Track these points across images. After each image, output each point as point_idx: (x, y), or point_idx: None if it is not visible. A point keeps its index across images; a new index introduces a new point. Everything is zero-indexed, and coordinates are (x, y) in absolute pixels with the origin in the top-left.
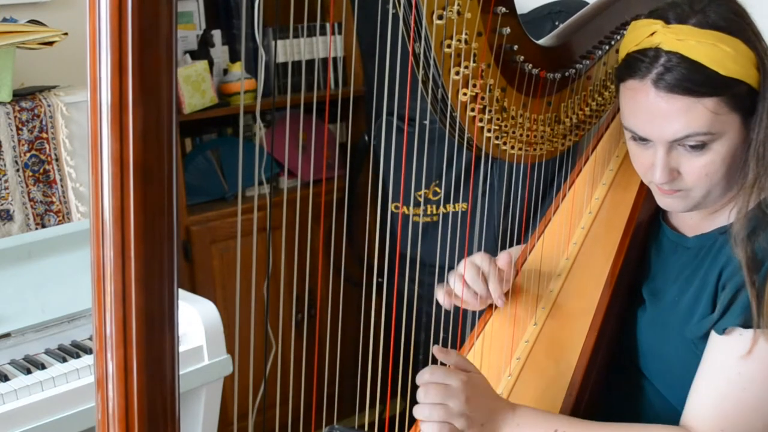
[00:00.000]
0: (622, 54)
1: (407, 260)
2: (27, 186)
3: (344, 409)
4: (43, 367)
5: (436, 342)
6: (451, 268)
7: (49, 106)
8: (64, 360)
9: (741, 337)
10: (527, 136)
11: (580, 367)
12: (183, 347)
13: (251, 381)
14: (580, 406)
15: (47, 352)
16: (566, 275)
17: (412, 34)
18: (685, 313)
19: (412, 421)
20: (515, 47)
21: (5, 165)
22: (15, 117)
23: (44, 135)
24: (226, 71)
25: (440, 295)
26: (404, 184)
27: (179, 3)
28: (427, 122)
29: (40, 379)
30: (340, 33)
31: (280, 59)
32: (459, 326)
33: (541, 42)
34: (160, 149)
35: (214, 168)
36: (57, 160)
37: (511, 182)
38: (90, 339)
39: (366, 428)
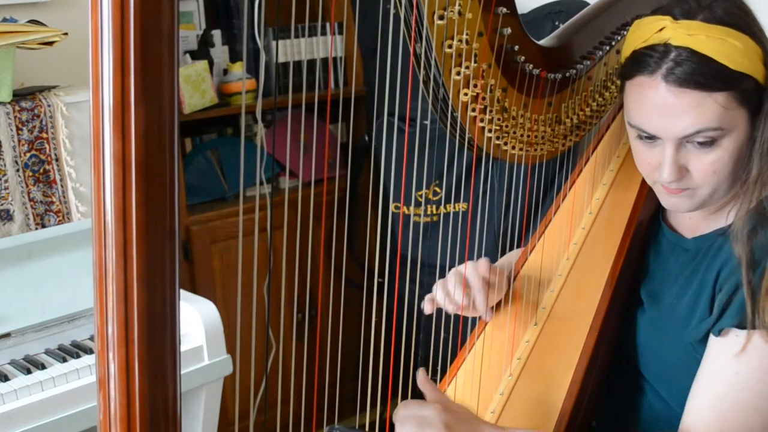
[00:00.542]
0: (627, 52)
1: (408, 261)
2: (27, 186)
3: (345, 409)
4: (43, 367)
5: (437, 342)
6: (450, 268)
7: (49, 106)
8: (64, 360)
9: (737, 338)
10: (528, 136)
11: (580, 367)
12: (183, 347)
13: (252, 381)
14: (580, 406)
15: (47, 352)
16: (567, 275)
17: (413, 34)
18: (684, 316)
19: None
20: (516, 47)
21: (5, 165)
22: (15, 117)
23: (44, 135)
24: (226, 71)
25: (427, 303)
26: (404, 185)
27: (179, 3)
28: (427, 122)
29: (40, 379)
30: (340, 33)
31: (281, 59)
32: (459, 326)
33: (541, 42)
34: (162, 149)
35: (214, 168)
36: (57, 160)
37: (512, 182)
38: (90, 339)
39: (366, 428)
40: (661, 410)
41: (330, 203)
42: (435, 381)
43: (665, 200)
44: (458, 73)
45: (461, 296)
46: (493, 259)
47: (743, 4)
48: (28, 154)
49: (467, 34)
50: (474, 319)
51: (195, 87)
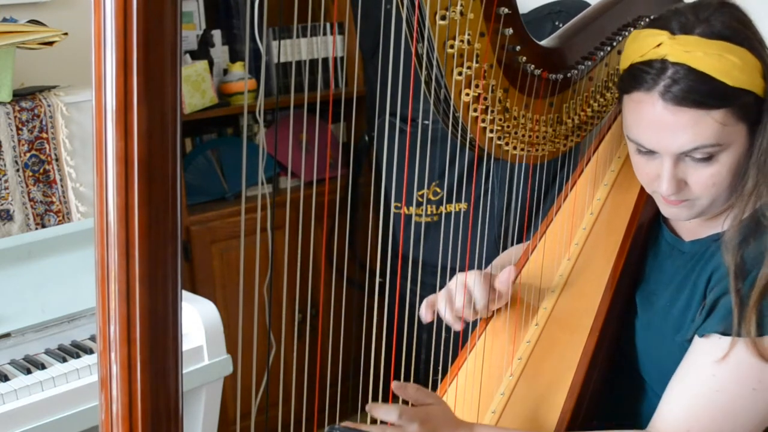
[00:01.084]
0: (625, 65)
1: (409, 260)
2: (27, 186)
3: (345, 409)
4: (43, 367)
5: (438, 342)
6: (451, 268)
7: (49, 106)
8: (64, 360)
9: (719, 341)
10: (529, 136)
11: (581, 367)
12: (183, 347)
13: (254, 380)
14: (581, 407)
15: (47, 352)
16: (568, 276)
17: (415, 34)
18: (677, 319)
19: None
20: (518, 48)
21: (5, 165)
22: (15, 117)
23: (44, 135)
24: (226, 71)
25: (423, 308)
26: (405, 185)
27: None
28: (428, 122)
29: (40, 379)
30: (341, 33)
31: (281, 59)
32: (461, 326)
33: (543, 43)
34: (165, 148)
35: (214, 168)
36: (57, 160)
37: (512, 182)
38: (90, 339)
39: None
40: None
41: (330, 203)
42: (437, 381)
43: (665, 209)
44: (460, 74)
45: (470, 314)
46: (493, 260)
47: (743, 16)
48: (28, 154)
49: (469, 35)
50: (475, 320)
51: (195, 87)
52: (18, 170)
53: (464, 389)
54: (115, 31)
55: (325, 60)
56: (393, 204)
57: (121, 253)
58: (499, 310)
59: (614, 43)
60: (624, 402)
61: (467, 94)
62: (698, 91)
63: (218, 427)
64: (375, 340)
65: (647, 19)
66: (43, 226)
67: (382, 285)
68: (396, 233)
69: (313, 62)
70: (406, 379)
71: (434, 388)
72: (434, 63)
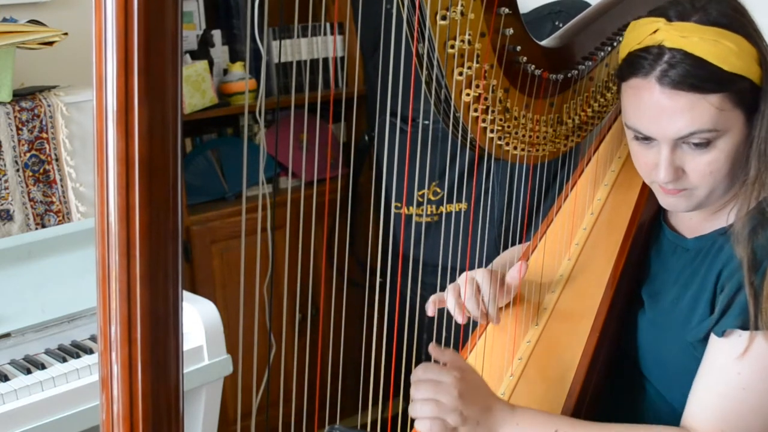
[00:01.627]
0: (623, 53)
1: (410, 260)
2: (27, 186)
3: (346, 409)
4: (43, 367)
5: (438, 342)
6: (452, 268)
7: (49, 106)
8: (64, 360)
9: (740, 338)
10: (530, 136)
11: (581, 367)
12: (183, 347)
13: (255, 380)
14: (581, 406)
15: (47, 352)
16: (568, 276)
17: (416, 34)
18: (684, 316)
19: (413, 420)
20: (518, 48)
21: (5, 165)
22: (15, 117)
23: (44, 135)
24: (226, 71)
25: (431, 305)
26: (405, 185)
27: None
28: (428, 122)
29: (40, 379)
30: (341, 33)
31: (281, 59)
32: (461, 326)
33: (543, 43)
34: (166, 148)
35: (214, 168)
36: (57, 160)
37: (513, 183)
38: (90, 339)
39: (368, 428)
40: (663, 410)
41: (330, 203)
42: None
43: (663, 200)
44: (460, 74)
45: (476, 308)
46: (493, 260)
47: (739, 5)
48: (28, 154)
49: (470, 35)
50: (474, 320)
51: (195, 87)
52: (18, 170)
53: None
54: (116, 31)
55: (325, 60)
56: (393, 204)
57: (122, 253)
58: (499, 310)
59: (614, 44)
60: (625, 401)
61: (468, 95)
62: (695, 75)
63: (218, 427)
64: (376, 340)
65: None
66: (43, 226)
67: (382, 285)
68: (396, 233)
69: (313, 62)
70: (407, 378)
71: None
72: (435, 63)
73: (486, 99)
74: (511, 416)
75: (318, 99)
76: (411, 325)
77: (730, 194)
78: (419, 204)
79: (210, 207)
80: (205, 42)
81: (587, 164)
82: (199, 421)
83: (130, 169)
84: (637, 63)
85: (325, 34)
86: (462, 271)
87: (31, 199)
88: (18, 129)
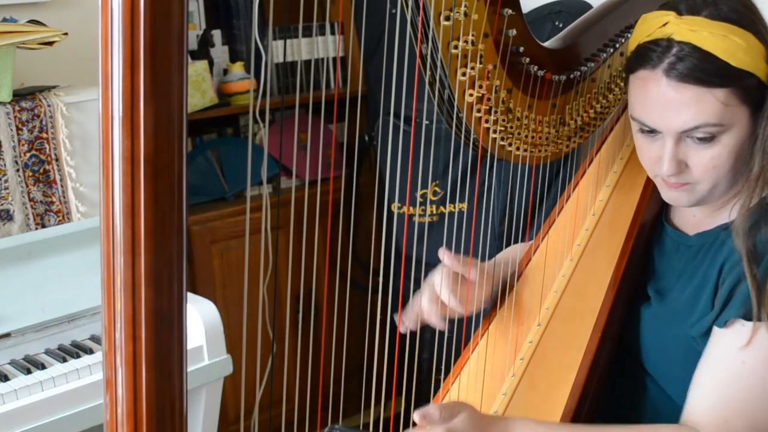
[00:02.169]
0: (633, 46)
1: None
2: (27, 186)
3: (347, 408)
4: (43, 367)
5: (440, 342)
6: None
7: (49, 106)
8: (64, 360)
9: (742, 328)
10: (532, 137)
11: (583, 367)
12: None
13: (257, 380)
14: (583, 406)
15: (47, 352)
16: (570, 276)
17: (419, 35)
18: (686, 310)
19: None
20: (521, 49)
21: (5, 165)
22: (15, 117)
23: (44, 135)
24: (226, 71)
25: (406, 320)
26: (404, 184)
27: None
28: (429, 122)
29: (40, 379)
30: (341, 33)
31: (281, 59)
32: (463, 326)
33: (546, 44)
34: (171, 146)
35: (214, 168)
36: (57, 160)
37: (514, 183)
38: (90, 339)
39: (369, 428)
40: (665, 407)
41: (330, 203)
42: (439, 381)
43: (665, 194)
44: (464, 74)
45: (435, 310)
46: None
47: (749, 2)
48: (28, 154)
49: (473, 35)
50: (477, 319)
51: (195, 87)
52: (18, 170)
53: (467, 389)
54: (122, 30)
55: (324, 60)
56: (395, 204)
57: (127, 252)
58: (501, 310)
59: (617, 45)
60: (627, 400)
61: (471, 95)
62: (702, 69)
63: (218, 427)
64: (378, 339)
65: None
66: (43, 226)
67: (382, 284)
68: (397, 233)
69: (314, 62)
70: (408, 379)
71: (437, 387)
72: (438, 64)
73: (489, 100)
74: None
75: (314, 99)
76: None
77: (734, 191)
78: (420, 204)
79: (210, 207)
80: (205, 42)
81: (589, 165)
82: (199, 421)
83: (136, 167)
84: (645, 55)
85: (324, 34)
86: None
87: (31, 199)
88: (18, 129)
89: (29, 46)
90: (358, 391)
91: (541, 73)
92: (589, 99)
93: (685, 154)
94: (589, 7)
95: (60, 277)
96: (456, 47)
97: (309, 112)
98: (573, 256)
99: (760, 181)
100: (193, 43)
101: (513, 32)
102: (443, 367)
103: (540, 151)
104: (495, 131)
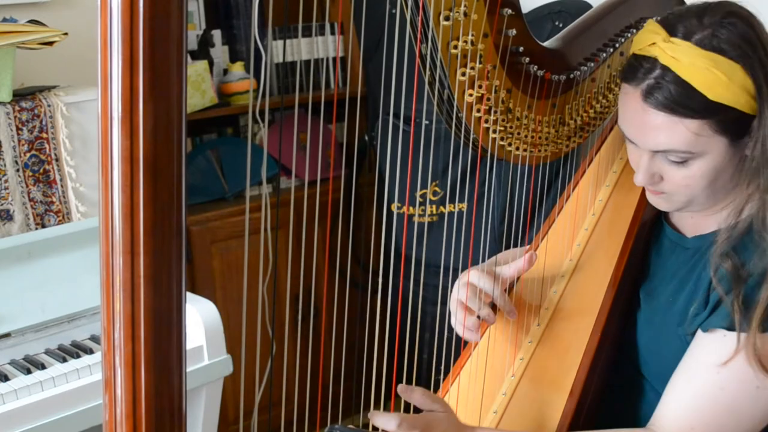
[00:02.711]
0: (630, 50)
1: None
2: (27, 186)
3: (347, 409)
4: (43, 367)
5: (440, 342)
6: (453, 268)
7: (49, 106)
8: (64, 360)
9: (724, 338)
10: (532, 137)
11: (583, 367)
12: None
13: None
14: (582, 407)
15: (47, 352)
16: (569, 276)
17: (419, 35)
18: (680, 313)
19: None
20: (521, 49)
21: (5, 165)
22: (15, 117)
23: (44, 135)
24: (226, 71)
25: (458, 327)
26: (404, 184)
27: None
28: (429, 122)
29: (40, 379)
30: (342, 33)
31: (281, 59)
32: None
33: (546, 44)
34: (170, 146)
35: (214, 168)
36: (57, 160)
37: (515, 183)
38: (90, 339)
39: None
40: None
41: (331, 203)
42: (438, 381)
43: (649, 198)
44: (463, 74)
45: (480, 307)
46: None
47: (748, 32)
48: (28, 154)
49: (473, 35)
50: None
51: (195, 87)
52: (18, 170)
53: (466, 389)
54: (121, 31)
55: (326, 60)
56: (395, 204)
57: (126, 252)
58: (500, 309)
59: (617, 45)
60: (624, 401)
61: (470, 95)
62: (676, 100)
63: (218, 427)
64: (378, 339)
65: None
66: (43, 226)
67: (382, 285)
68: (397, 233)
69: (314, 62)
70: (408, 379)
71: (436, 388)
72: (438, 63)
73: (488, 100)
74: None
75: (314, 99)
76: (413, 324)
77: (728, 200)
78: (420, 204)
79: (210, 207)
80: (205, 42)
81: (589, 165)
82: (199, 421)
83: (135, 168)
84: (631, 70)
85: (323, 34)
86: (463, 270)
87: (31, 199)
88: (18, 129)
89: (29, 46)
90: (358, 392)
91: (540, 72)
92: (588, 99)
93: (660, 168)
94: (589, 7)
95: (60, 277)
96: (456, 47)
97: (308, 112)
98: (572, 255)
99: (747, 203)
100: (193, 43)
101: (513, 32)
102: (443, 368)
103: (540, 151)
104: (495, 131)
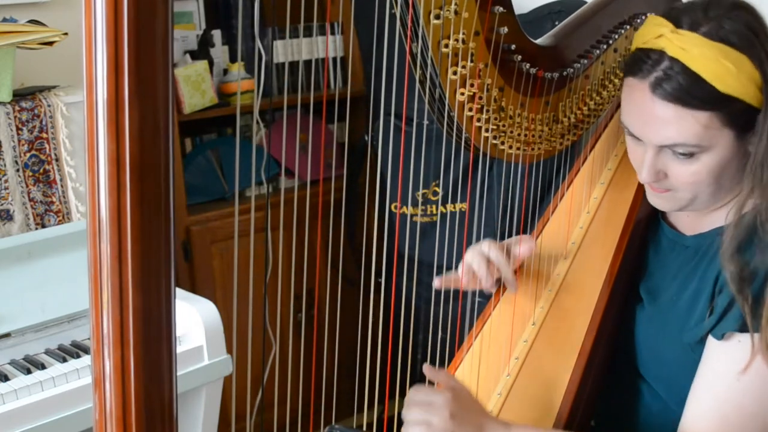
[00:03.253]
0: (633, 46)
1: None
2: (27, 186)
3: (344, 409)
4: (43, 367)
5: (434, 342)
6: (450, 268)
7: (49, 106)
8: (64, 360)
9: (740, 343)
10: (525, 135)
11: (578, 366)
12: (183, 347)
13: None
14: (578, 405)
15: (47, 352)
16: (565, 275)
17: (409, 33)
18: (683, 315)
19: None
20: (513, 46)
21: (5, 165)
22: (15, 117)
23: (44, 135)
24: (226, 71)
25: (437, 280)
26: (404, 184)
27: (179, 3)
28: (428, 123)
29: (40, 379)
30: (341, 33)
31: (280, 59)
32: (457, 326)
33: (539, 41)
34: (157, 148)
35: (214, 168)
36: (57, 160)
37: (514, 182)
38: (90, 339)
39: (365, 428)
40: (660, 409)
41: (328, 203)
42: (432, 384)
43: (650, 198)
44: (455, 73)
45: (487, 276)
46: None
47: (754, 23)
48: (28, 154)
49: (464, 34)
50: (472, 319)
51: (195, 87)
52: (18, 170)
53: None
54: (105, 32)
55: (325, 60)
56: (394, 204)
57: (114, 255)
58: (496, 309)
59: (610, 41)
60: (622, 400)
61: (462, 94)
62: (686, 90)
63: (218, 427)
64: (371, 340)
65: (643, 17)
66: (43, 226)
67: (380, 284)
68: (394, 233)
69: (314, 62)
70: (403, 379)
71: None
72: (429, 62)
73: (480, 98)
74: None
75: (312, 98)
76: (407, 324)
77: (726, 199)
78: (419, 203)
79: (210, 207)
80: (205, 42)
81: (583, 163)
82: (199, 421)
83: (121, 170)
84: (637, 63)
85: (324, 34)
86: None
87: (31, 199)
88: (18, 129)
89: (29, 46)
90: (357, 392)
91: (533, 70)
92: (582, 96)
93: (665, 165)
94: None
95: (60, 277)
96: (446, 46)
97: (310, 113)
98: (568, 254)
99: (750, 199)
100: (193, 43)
101: (504, 30)
102: (437, 368)
103: (533, 149)
104: (487, 130)
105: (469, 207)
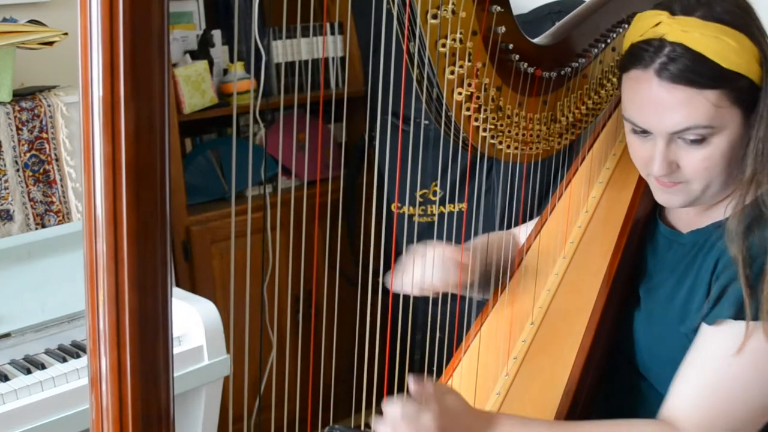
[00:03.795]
0: (626, 45)
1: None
2: (27, 186)
3: (343, 410)
4: (43, 367)
5: (432, 343)
6: None
7: (49, 106)
8: (64, 360)
9: (732, 329)
10: (523, 135)
11: (577, 365)
12: (183, 347)
13: (259, 380)
14: (577, 405)
15: (47, 352)
16: (563, 274)
17: (406, 33)
18: (681, 309)
19: None
20: (510, 46)
21: (5, 165)
22: (15, 117)
23: (44, 135)
24: (226, 71)
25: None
26: (404, 184)
27: (179, 3)
28: (428, 122)
29: (40, 379)
30: (341, 33)
31: (281, 59)
32: (456, 326)
33: (536, 40)
34: (153, 150)
35: (214, 168)
36: (57, 160)
37: (514, 182)
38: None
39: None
40: (659, 406)
41: (330, 203)
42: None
43: (658, 196)
44: (452, 73)
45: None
46: None
47: (744, 3)
48: (28, 154)
49: (461, 33)
50: (471, 319)
51: (195, 87)
52: (18, 170)
53: (460, 389)
54: (101, 32)
55: (326, 60)
56: (394, 204)
57: (110, 256)
58: (494, 308)
59: (608, 40)
60: (621, 399)
61: (460, 93)
62: (693, 70)
63: (218, 427)
64: (368, 341)
65: None
66: (43, 226)
67: (378, 285)
68: (396, 233)
69: (314, 62)
70: (402, 379)
71: None
72: (426, 62)
73: (478, 98)
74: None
75: (310, 98)
76: (405, 325)
77: (728, 190)
78: (419, 204)
79: (210, 207)
80: (205, 42)
81: (581, 162)
82: (199, 421)
83: (117, 172)
84: (638, 54)
85: (324, 34)
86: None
87: (31, 199)
88: (18, 129)
89: (29, 46)
90: (359, 392)
91: (531, 70)
92: (580, 95)
93: (676, 155)
94: None
95: (60, 277)
96: (444, 45)
97: (307, 112)
98: (566, 253)
99: (753, 183)
100: (193, 43)
101: (502, 29)
102: (435, 368)
103: (531, 148)
104: (485, 129)
105: (468, 207)
